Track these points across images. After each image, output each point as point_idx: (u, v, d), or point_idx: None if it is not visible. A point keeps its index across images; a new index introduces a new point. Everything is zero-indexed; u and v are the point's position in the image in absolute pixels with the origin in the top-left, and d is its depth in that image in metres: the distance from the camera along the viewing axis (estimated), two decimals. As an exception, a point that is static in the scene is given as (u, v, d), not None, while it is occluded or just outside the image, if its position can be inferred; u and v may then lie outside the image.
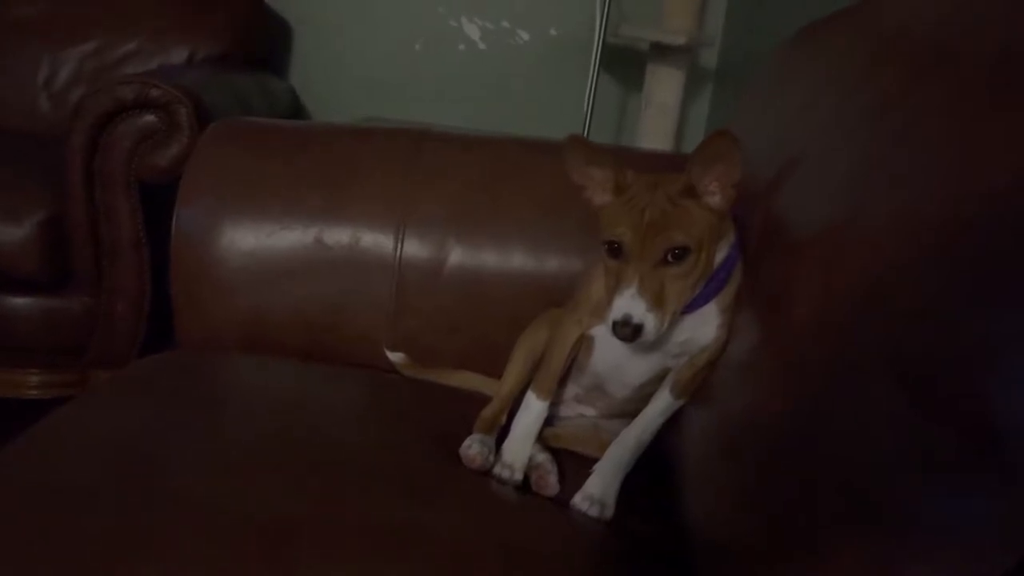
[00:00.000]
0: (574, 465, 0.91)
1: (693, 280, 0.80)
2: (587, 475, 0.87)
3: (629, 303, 0.75)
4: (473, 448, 0.87)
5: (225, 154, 1.13)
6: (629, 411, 0.94)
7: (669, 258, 0.77)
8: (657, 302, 0.76)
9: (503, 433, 0.92)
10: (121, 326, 1.73)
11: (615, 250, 0.79)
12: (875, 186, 0.68)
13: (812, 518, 0.59)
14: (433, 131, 1.22)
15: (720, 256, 0.84)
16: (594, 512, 0.84)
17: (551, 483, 0.87)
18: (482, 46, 2.55)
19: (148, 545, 0.63)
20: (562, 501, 0.85)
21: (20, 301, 1.69)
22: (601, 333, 0.90)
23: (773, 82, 1.12)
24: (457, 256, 1.11)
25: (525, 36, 2.53)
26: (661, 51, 2.18)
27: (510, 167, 1.17)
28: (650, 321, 0.76)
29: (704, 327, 0.85)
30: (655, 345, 0.86)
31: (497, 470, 0.87)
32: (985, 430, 0.46)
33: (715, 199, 0.79)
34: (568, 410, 1.02)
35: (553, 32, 2.53)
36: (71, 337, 1.73)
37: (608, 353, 0.91)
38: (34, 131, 2.11)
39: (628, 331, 0.75)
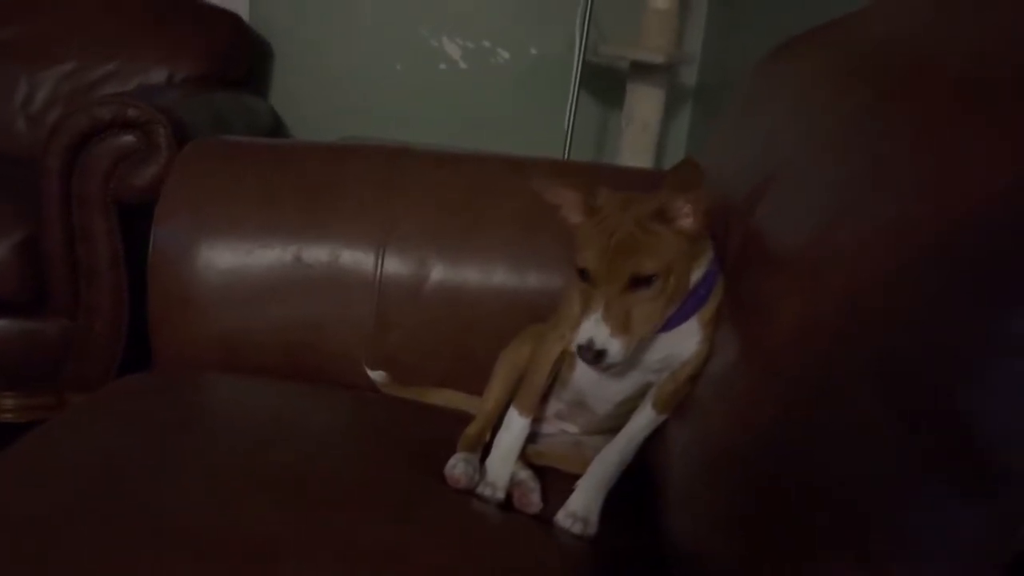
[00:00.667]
0: (557, 482, 0.90)
1: (662, 304, 0.79)
2: (570, 492, 0.87)
3: (593, 328, 0.76)
4: (458, 468, 0.86)
5: (203, 173, 1.12)
6: (611, 427, 0.94)
7: (636, 283, 0.77)
8: (622, 328, 0.76)
9: (486, 450, 0.91)
10: (98, 348, 1.71)
11: (583, 273, 0.79)
12: (854, 199, 0.68)
13: (796, 533, 0.58)
14: (412, 149, 1.22)
15: (698, 274, 0.83)
16: (577, 529, 0.83)
17: (534, 501, 0.86)
18: (463, 65, 2.56)
19: (125, 566, 0.61)
20: (545, 518, 0.85)
21: (-4, 323, 1.67)
22: None
23: (751, 98, 1.13)
24: (438, 273, 1.11)
25: (505, 55, 2.55)
26: (640, 69, 2.19)
27: (490, 184, 1.17)
28: (613, 346, 0.76)
29: (685, 342, 0.85)
30: (634, 362, 0.85)
31: (479, 489, 0.86)
32: (968, 439, 0.46)
33: (687, 222, 0.79)
34: (550, 427, 1.01)
35: (533, 51, 2.54)
36: (48, 359, 1.70)
37: (591, 368, 0.91)
38: (11, 152, 2.08)
39: (591, 356, 0.76)
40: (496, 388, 0.97)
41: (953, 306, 0.51)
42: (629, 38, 2.26)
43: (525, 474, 0.90)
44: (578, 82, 2.24)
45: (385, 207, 1.12)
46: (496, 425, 0.94)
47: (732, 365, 0.81)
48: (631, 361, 0.84)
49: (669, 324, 0.83)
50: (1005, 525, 0.44)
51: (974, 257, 0.51)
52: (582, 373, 0.92)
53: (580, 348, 0.77)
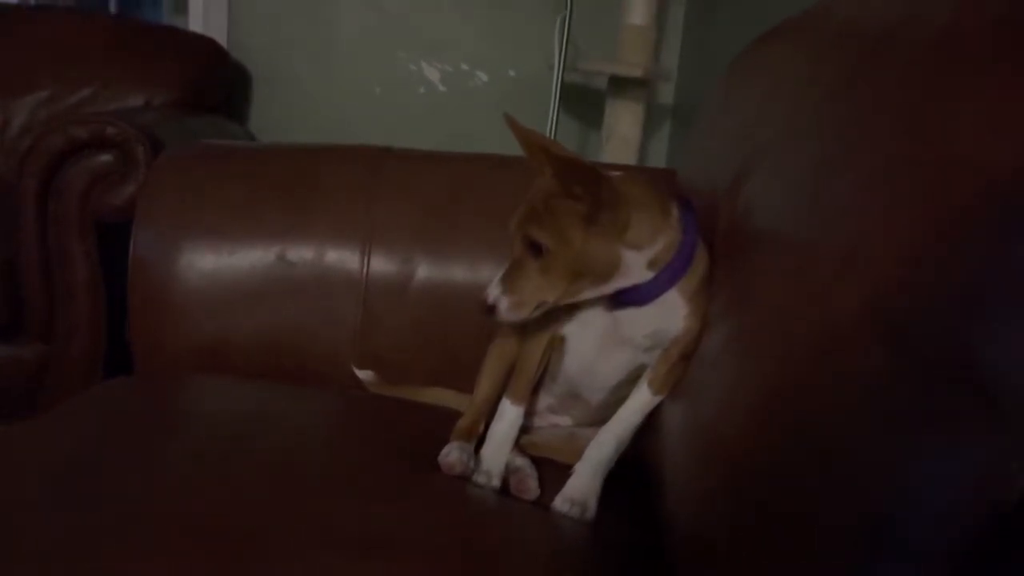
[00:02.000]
0: (554, 471, 0.88)
1: (557, 277, 0.80)
2: (567, 480, 0.85)
3: (493, 284, 0.82)
4: (452, 455, 0.84)
5: (182, 174, 1.11)
6: (605, 418, 0.92)
7: (531, 251, 0.80)
8: (513, 290, 0.81)
9: (479, 443, 0.89)
10: (76, 372, 1.67)
11: None
12: (836, 167, 0.68)
13: (797, 510, 0.56)
14: (393, 149, 1.21)
15: (655, 249, 0.81)
16: (575, 513, 0.81)
17: (531, 487, 0.84)
18: (442, 88, 2.57)
19: (99, 552, 0.58)
20: (542, 505, 0.82)
21: (-31, 350, 1.63)
22: (572, 331, 0.89)
23: (726, 93, 1.14)
24: (424, 271, 1.09)
25: (484, 78, 2.56)
26: (619, 85, 2.21)
27: (473, 181, 1.16)
28: (502, 303, 0.81)
29: (670, 317, 0.84)
30: (621, 339, 0.86)
31: (475, 477, 0.84)
32: (974, 376, 0.45)
33: (580, 205, 0.78)
34: (542, 421, 0.99)
35: (511, 73, 2.56)
36: (24, 385, 1.66)
37: (580, 352, 0.90)
38: (-15, 180, 2.06)
39: (483, 308, 0.82)
40: (486, 380, 0.95)
41: (951, 247, 0.50)
42: (606, 56, 2.28)
43: (522, 461, 0.88)
44: (558, 100, 2.25)
45: (369, 205, 1.10)
46: (488, 418, 0.92)
47: (723, 342, 0.80)
48: (614, 337, 0.86)
49: (644, 296, 0.82)
50: (1003, 462, 0.42)
51: (965, 202, 0.51)
52: (572, 360, 0.91)
53: (481, 302, 0.82)
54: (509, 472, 0.86)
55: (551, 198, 0.79)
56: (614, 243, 0.80)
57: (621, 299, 0.84)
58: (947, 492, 0.44)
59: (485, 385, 0.95)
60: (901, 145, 0.60)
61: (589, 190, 0.77)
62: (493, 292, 0.81)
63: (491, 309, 0.81)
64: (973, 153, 0.51)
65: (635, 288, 0.82)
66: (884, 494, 0.46)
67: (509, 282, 0.81)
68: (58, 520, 0.62)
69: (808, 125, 0.77)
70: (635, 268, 0.81)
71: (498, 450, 0.87)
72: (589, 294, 0.83)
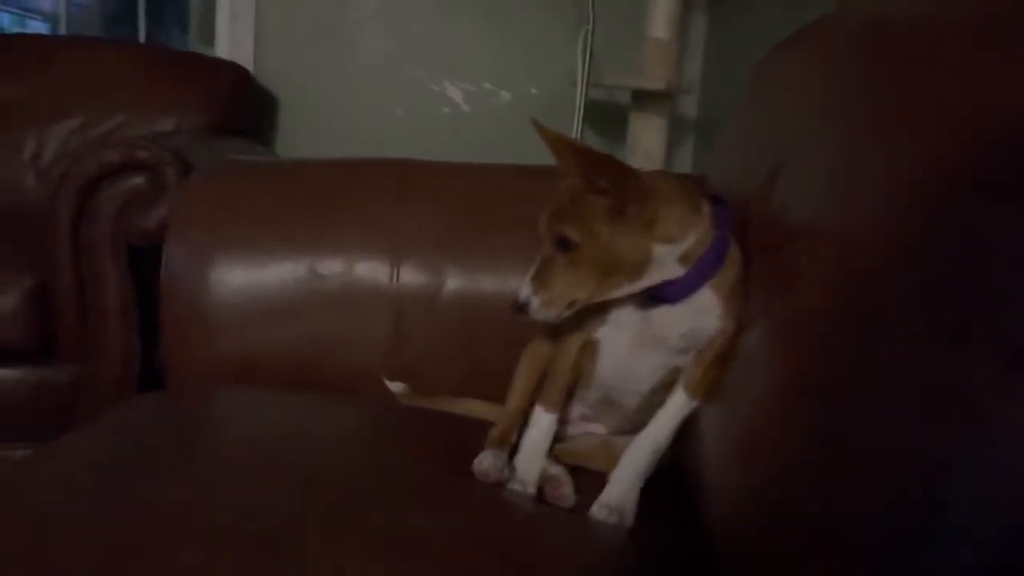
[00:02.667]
0: (589, 479, 0.87)
1: (586, 272, 0.79)
2: (603, 487, 0.83)
3: (524, 283, 0.81)
4: (486, 462, 0.84)
5: (213, 189, 1.12)
6: (640, 425, 0.90)
7: (560, 248, 0.79)
8: (544, 287, 0.80)
9: (513, 451, 0.88)
10: (108, 394, 1.68)
11: None
12: (870, 159, 0.67)
13: (845, 505, 0.55)
14: (420, 161, 1.21)
15: (686, 244, 0.81)
16: (613, 520, 0.80)
17: (566, 494, 0.83)
18: (466, 108, 2.58)
19: (143, 554, 0.58)
20: (579, 513, 0.81)
21: (4, 372, 1.64)
22: (605, 335, 0.88)
23: (751, 97, 1.13)
24: (453, 281, 1.09)
25: (507, 96, 2.57)
26: (642, 99, 2.21)
27: (499, 191, 1.16)
28: (533, 303, 0.80)
29: (704, 317, 0.82)
30: (655, 339, 0.85)
31: (510, 485, 0.83)
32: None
33: (603, 201, 0.78)
34: (577, 430, 0.98)
35: (534, 91, 2.57)
36: (57, 407, 1.67)
37: (614, 355, 0.89)
38: (21, 207, 2.09)
39: (514, 306, 0.81)
40: (519, 387, 0.95)
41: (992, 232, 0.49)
42: (629, 68, 2.29)
43: (557, 469, 0.87)
44: (581, 116, 2.25)
45: (398, 217, 1.11)
46: (522, 425, 0.91)
47: (760, 342, 0.79)
48: (648, 338, 0.85)
49: (677, 292, 0.82)
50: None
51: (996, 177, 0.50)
52: (606, 363, 0.90)
53: (513, 301, 0.81)
54: (544, 480, 0.85)
55: (578, 194, 0.79)
56: (643, 237, 0.79)
57: (654, 297, 0.83)
58: (1000, 476, 0.42)
59: (518, 393, 0.94)
60: (934, 132, 0.59)
61: (614, 183, 0.77)
62: (524, 291, 0.80)
63: (522, 307, 0.80)
64: (1006, 136, 0.50)
65: (667, 285, 0.81)
66: (937, 482, 0.45)
67: (539, 280, 0.80)
68: (93, 530, 0.62)
69: (838, 119, 0.77)
70: (667, 263, 0.80)
71: (533, 458, 0.86)
72: (621, 291, 0.82)
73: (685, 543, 0.79)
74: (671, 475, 0.86)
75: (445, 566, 0.62)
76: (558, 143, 0.81)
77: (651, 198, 0.79)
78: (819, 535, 0.56)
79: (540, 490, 0.84)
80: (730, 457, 0.78)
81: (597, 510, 0.81)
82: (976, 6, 0.63)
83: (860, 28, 0.82)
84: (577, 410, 0.97)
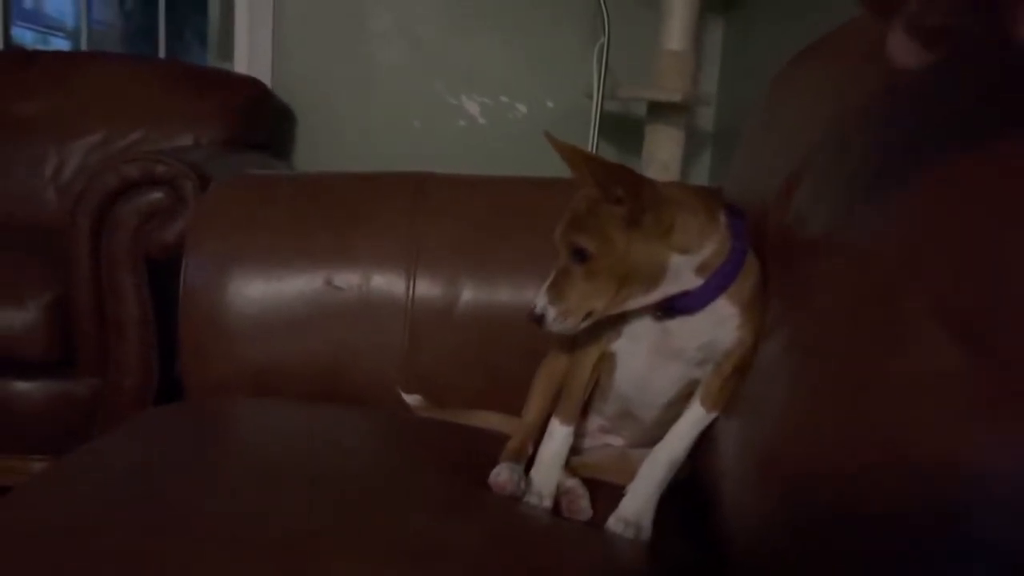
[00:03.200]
0: (606, 492, 0.86)
1: (603, 283, 0.79)
2: (620, 500, 0.83)
3: (540, 294, 0.80)
4: (503, 475, 0.83)
5: (231, 202, 1.12)
6: (658, 437, 0.90)
7: (577, 258, 0.79)
8: (560, 298, 0.79)
9: (529, 463, 0.88)
10: (127, 407, 1.69)
11: None
12: (889, 168, 0.67)
13: (865, 517, 0.54)
14: (436, 174, 1.22)
15: (703, 254, 0.80)
16: (629, 534, 0.79)
17: (583, 507, 0.83)
18: (482, 121, 2.59)
19: (163, 564, 0.58)
20: (596, 526, 0.80)
21: (25, 385, 1.66)
22: (622, 347, 0.88)
23: (770, 108, 1.13)
24: (469, 293, 1.09)
25: (523, 109, 2.58)
26: (658, 111, 2.21)
27: (517, 204, 1.16)
28: (549, 313, 0.79)
29: (721, 327, 0.82)
30: (673, 351, 0.84)
31: (526, 498, 0.83)
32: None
33: (617, 210, 0.78)
34: (593, 441, 0.98)
35: (550, 104, 2.58)
36: (77, 420, 1.69)
37: (631, 367, 0.88)
38: (41, 222, 2.12)
39: (531, 318, 0.80)
40: (536, 400, 0.94)
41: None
42: (645, 81, 2.29)
43: (573, 482, 0.86)
44: (597, 128, 2.26)
45: (414, 228, 1.11)
46: (538, 438, 0.90)
47: (777, 356, 0.78)
48: (665, 350, 0.84)
49: (694, 303, 0.81)
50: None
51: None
52: (623, 376, 0.89)
53: (529, 312, 0.81)
54: (560, 493, 0.85)
55: (594, 204, 0.79)
56: (660, 246, 0.79)
57: (671, 308, 0.82)
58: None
59: (535, 405, 0.94)
60: (955, 140, 0.58)
61: (630, 192, 0.77)
62: (540, 302, 0.80)
63: (539, 319, 0.79)
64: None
65: (685, 295, 0.81)
66: (961, 493, 0.44)
67: (555, 291, 0.80)
68: (113, 541, 0.62)
69: (856, 129, 0.76)
70: (683, 273, 0.80)
71: (549, 471, 0.86)
72: (637, 302, 0.81)
73: (702, 557, 0.79)
74: (688, 488, 0.86)
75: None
76: (573, 155, 0.81)
77: (667, 207, 0.78)
78: (837, 550, 0.56)
79: (556, 503, 0.83)
80: (747, 470, 0.77)
81: (614, 523, 0.80)
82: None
83: (879, 39, 0.82)
84: (595, 421, 0.96)
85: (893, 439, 0.51)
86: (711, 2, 2.37)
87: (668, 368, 0.86)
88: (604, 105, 2.30)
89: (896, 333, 0.56)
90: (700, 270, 0.80)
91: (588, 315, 0.80)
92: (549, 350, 0.96)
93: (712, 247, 0.81)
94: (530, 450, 0.90)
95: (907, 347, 0.54)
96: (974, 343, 0.48)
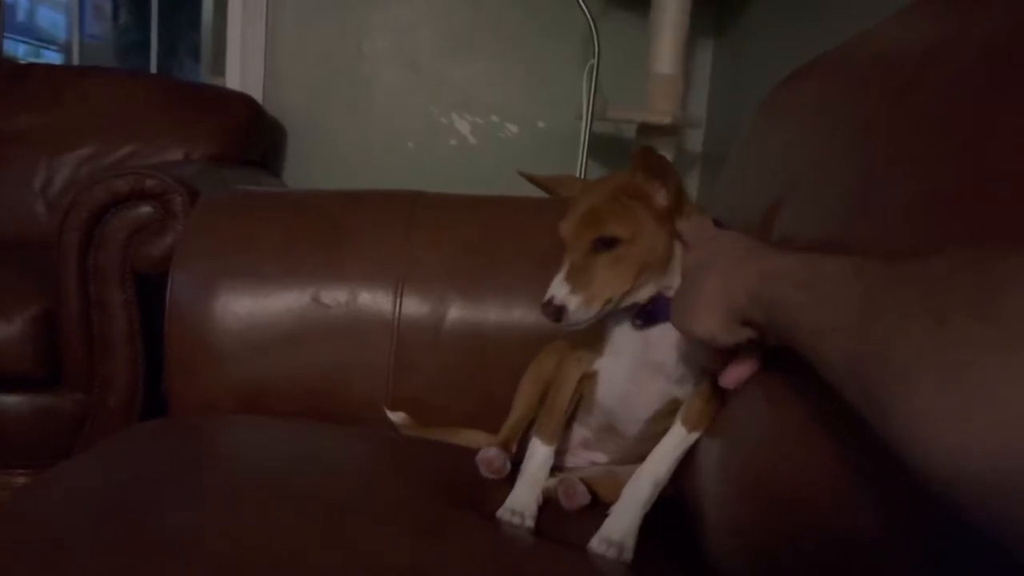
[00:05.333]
0: (589, 511, 0.87)
1: (626, 268, 0.80)
2: (603, 519, 0.83)
3: (555, 286, 0.78)
4: (491, 451, 0.89)
5: (220, 219, 1.13)
6: (641, 453, 0.90)
7: (599, 246, 0.79)
8: (582, 286, 0.78)
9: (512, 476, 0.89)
10: (113, 422, 1.68)
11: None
12: (876, 192, 0.67)
13: (848, 539, 0.54)
14: (428, 193, 1.22)
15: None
16: (612, 555, 0.79)
17: (579, 490, 0.85)
18: (473, 141, 2.61)
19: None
20: (578, 546, 0.80)
21: (9, 399, 1.65)
22: (604, 365, 0.89)
23: (759, 129, 1.14)
24: (457, 311, 1.10)
25: (514, 129, 2.60)
26: (648, 133, 2.22)
27: (507, 225, 1.17)
28: (572, 303, 0.78)
29: (702, 347, 0.83)
30: (655, 365, 0.86)
31: (507, 516, 0.83)
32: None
33: (660, 195, 0.81)
34: (577, 459, 0.98)
35: (541, 124, 2.59)
36: (61, 435, 1.67)
37: (614, 382, 0.89)
38: (30, 236, 2.11)
39: (551, 311, 0.78)
40: (522, 401, 0.98)
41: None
42: (635, 103, 2.31)
43: (563, 475, 0.89)
44: (587, 149, 2.27)
45: (403, 247, 1.11)
46: (523, 439, 0.93)
47: (757, 378, 0.78)
48: (647, 363, 0.85)
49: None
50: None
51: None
52: (605, 391, 0.90)
53: (543, 306, 0.78)
54: (555, 487, 0.88)
55: (621, 194, 0.81)
56: (670, 235, 0.82)
57: (652, 314, 0.84)
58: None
59: (521, 405, 0.97)
60: (943, 164, 0.59)
61: (676, 185, 0.81)
62: (559, 293, 0.78)
63: (559, 310, 0.77)
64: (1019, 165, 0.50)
65: (666, 300, 0.82)
66: (942, 520, 0.44)
67: (574, 281, 0.78)
68: (95, 557, 0.62)
69: (844, 153, 0.77)
70: (677, 267, 0.83)
71: (530, 490, 0.86)
72: (647, 291, 0.83)
73: (686, 577, 0.79)
74: (670, 506, 0.86)
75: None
76: (563, 183, 0.91)
77: (688, 203, 0.84)
78: (822, 568, 0.56)
79: (539, 519, 0.84)
80: (730, 490, 0.78)
81: (597, 544, 0.80)
82: (984, 40, 0.63)
83: (871, 62, 0.83)
84: (579, 434, 0.97)
85: (876, 460, 0.51)
86: (701, 25, 2.39)
87: (649, 383, 0.87)
88: (594, 126, 2.31)
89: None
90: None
91: (607, 302, 0.80)
92: (539, 352, 0.98)
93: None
94: (514, 448, 0.92)
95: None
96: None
